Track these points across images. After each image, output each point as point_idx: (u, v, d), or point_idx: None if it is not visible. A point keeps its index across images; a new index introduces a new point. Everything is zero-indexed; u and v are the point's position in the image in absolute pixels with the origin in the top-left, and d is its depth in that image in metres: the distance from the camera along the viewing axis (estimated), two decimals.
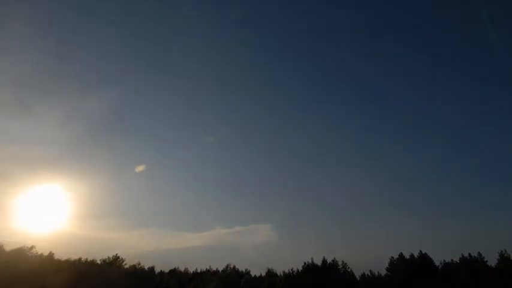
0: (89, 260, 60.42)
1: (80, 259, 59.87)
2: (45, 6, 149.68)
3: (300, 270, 52.69)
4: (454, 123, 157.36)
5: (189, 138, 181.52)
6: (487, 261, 46.07)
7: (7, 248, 54.22)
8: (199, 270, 66.65)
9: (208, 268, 66.61)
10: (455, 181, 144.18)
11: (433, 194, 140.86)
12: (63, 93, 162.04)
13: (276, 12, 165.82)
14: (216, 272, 63.68)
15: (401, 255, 50.78)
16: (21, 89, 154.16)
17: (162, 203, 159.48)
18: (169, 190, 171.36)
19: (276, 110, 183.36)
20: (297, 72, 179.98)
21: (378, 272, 52.03)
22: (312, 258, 53.48)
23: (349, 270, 52.18)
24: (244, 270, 61.30)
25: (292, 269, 53.24)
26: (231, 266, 62.17)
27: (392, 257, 51.38)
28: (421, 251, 49.86)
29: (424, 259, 48.84)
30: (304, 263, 53.09)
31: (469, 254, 47.34)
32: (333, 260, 52.86)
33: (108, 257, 60.81)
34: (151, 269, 64.83)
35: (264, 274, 57.03)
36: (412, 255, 50.05)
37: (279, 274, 54.54)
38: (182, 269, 67.54)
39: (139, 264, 62.89)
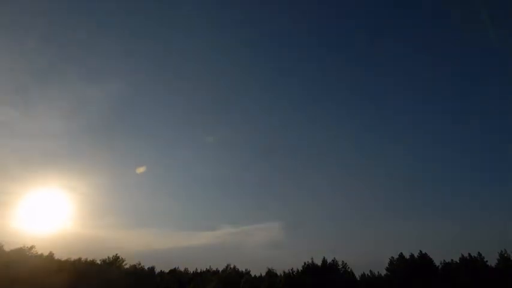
0: (88, 260, 60.43)
1: (79, 259, 59.86)
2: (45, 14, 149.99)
3: (300, 270, 52.67)
4: (454, 123, 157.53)
5: (189, 138, 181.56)
6: (487, 261, 46.11)
7: (7, 248, 54.30)
8: (199, 270, 66.63)
9: (208, 268, 66.60)
10: (455, 181, 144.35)
11: (433, 194, 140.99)
12: (63, 87, 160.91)
13: (276, 12, 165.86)
14: (216, 272, 63.64)
15: (401, 255, 50.78)
16: (21, 76, 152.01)
17: (164, 203, 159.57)
18: (170, 190, 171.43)
19: (276, 110, 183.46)
20: (297, 72, 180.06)
21: (378, 272, 52.09)
22: (311, 258, 53.53)
23: (349, 270, 52.19)
24: (244, 270, 61.33)
25: (292, 269, 53.24)
26: (231, 266, 62.19)
27: (392, 257, 51.41)
28: (421, 251, 49.92)
29: (424, 259, 48.83)
30: (304, 263, 53.10)
31: (469, 254, 47.36)
32: (333, 260, 52.86)
33: (108, 257, 60.76)
34: (151, 269, 64.82)
35: (264, 274, 57.09)
36: (412, 255, 50.05)
37: (279, 274, 54.57)
38: (182, 269, 67.54)
39: (140, 264, 62.92)
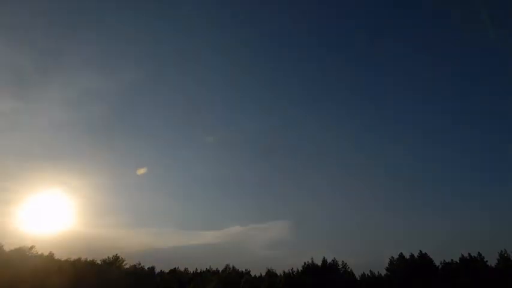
0: (88, 260, 60.44)
1: (79, 259, 59.86)
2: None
3: (300, 270, 52.68)
4: (454, 123, 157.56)
5: (190, 138, 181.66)
6: (487, 261, 46.10)
7: (7, 248, 54.34)
8: (199, 270, 66.62)
9: (208, 268, 66.59)
10: (455, 181, 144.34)
11: (433, 194, 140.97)
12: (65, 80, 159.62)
13: (276, 12, 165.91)
14: (216, 272, 63.63)
15: (401, 255, 50.77)
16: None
17: (164, 203, 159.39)
18: (171, 190, 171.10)
19: (276, 110, 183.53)
20: (297, 72, 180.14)
21: (378, 272, 52.06)
22: (311, 258, 53.54)
23: (349, 270, 52.19)
24: (244, 270, 61.33)
25: (292, 269, 53.26)
26: (231, 266, 62.18)
27: (392, 257, 51.41)
28: (421, 251, 49.91)
29: (424, 259, 48.82)
30: (304, 263, 53.11)
31: (469, 254, 47.34)
32: (332, 260, 52.87)
33: (108, 257, 60.78)
34: (151, 269, 64.81)
35: (264, 274, 57.08)
36: (412, 255, 50.04)
37: (279, 274, 54.56)
38: (182, 269, 67.51)
39: (139, 264, 62.91)
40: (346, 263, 52.61)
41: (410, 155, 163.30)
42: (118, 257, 60.70)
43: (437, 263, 48.67)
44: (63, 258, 59.14)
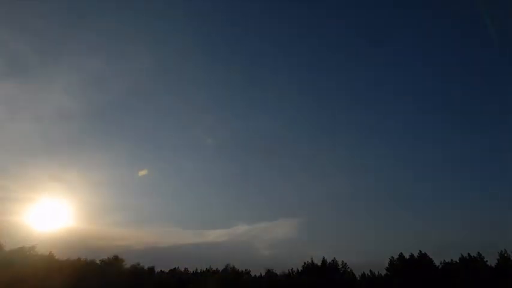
0: (89, 260, 60.53)
1: (79, 259, 59.92)
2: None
3: (299, 270, 52.75)
4: (454, 123, 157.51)
5: (191, 137, 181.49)
6: (487, 261, 46.17)
7: (7, 248, 54.38)
8: (199, 270, 66.66)
9: (208, 268, 66.60)
10: (455, 181, 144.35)
11: (433, 194, 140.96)
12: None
13: (276, 13, 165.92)
14: (216, 271, 63.63)
15: (401, 255, 50.78)
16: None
17: (166, 202, 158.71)
18: (173, 189, 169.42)
19: (280, 110, 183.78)
20: (296, 73, 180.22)
21: (378, 272, 52.10)
22: (311, 258, 53.61)
23: (349, 270, 52.25)
24: (244, 270, 61.32)
25: (292, 269, 53.35)
26: (231, 266, 62.13)
27: (392, 257, 51.40)
28: (421, 251, 49.93)
29: (424, 259, 48.85)
30: (304, 263, 53.21)
31: (469, 254, 47.39)
32: (332, 260, 52.92)
33: (108, 257, 60.86)
34: (151, 268, 64.85)
35: (263, 274, 57.12)
36: (412, 255, 50.05)
37: (278, 274, 54.61)
38: (182, 269, 67.55)
39: (139, 264, 62.94)
40: (346, 263, 52.77)
41: (410, 155, 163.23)
42: (118, 257, 60.79)
43: (437, 263, 48.80)
44: (64, 257, 59.30)
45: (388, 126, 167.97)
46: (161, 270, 66.63)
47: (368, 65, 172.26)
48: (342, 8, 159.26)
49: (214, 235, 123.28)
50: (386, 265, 51.16)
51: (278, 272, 55.39)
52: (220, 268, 63.83)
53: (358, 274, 52.57)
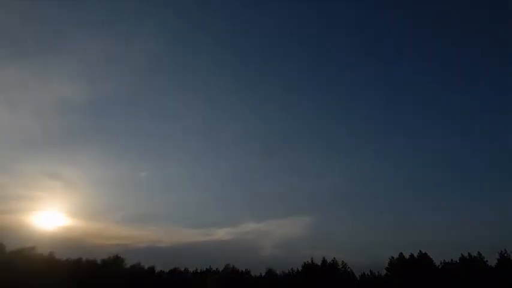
0: (89, 259, 60.55)
1: (80, 259, 59.99)
2: None
3: (300, 270, 52.69)
4: (454, 123, 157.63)
5: (192, 138, 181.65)
6: (487, 261, 46.09)
7: (7, 248, 54.35)
8: (199, 270, 66.65)
9: (208, 268, 66.60)
10: (455, 181, 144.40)
11: (433, 194, 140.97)
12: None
13: (276, 14, 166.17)
14: (216, 271, 63.62)
15: (401, 255, 50.74)
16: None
17: (169, 201, 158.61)
18: (174, 189, 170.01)
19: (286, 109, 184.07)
20: (297, 73, 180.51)
21: (378, 272, 52.09)
22: (311, 258, 53.53)
23: (349, 270, 52.18)
24: (244, 270, 61.31)
25: (292, 269, 53.30)
26: (231, 266, 62.12)
27: (392, 257, 51.36)
28: (421, 251, 49.89)
29: (424, 259, 48.80)
30: (304, 263, 53.08)
31: (469, 254, 47.32)
32: (332, 260, 52.84)
33: (109, 257, 60.84)
34: (151, 268, 64.86)
35: (263, 274, 57.09)
36: (412, 255, 50.01)
37: (279, 274, 54.58)
38: (182, 269, 67.53)
39: (139, 264, 62.99)
40: (346, 263, 52.68)
41: (410, 156, 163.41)
42: (118, 257, 60.75)
43: (437, 263, 48.76)
44: (64, 257, 59.40)
45: (389, 128, 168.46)
46: (161, 270, 66.70)
47: (368, 65, 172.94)
48: (342, 9, 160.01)
49: (222, 233, 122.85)
50: (386, 265, 51.22)
51: (278, 271, 55.49)
52: (221, 268, 63.92)
53: (358, 274, 52.69)
